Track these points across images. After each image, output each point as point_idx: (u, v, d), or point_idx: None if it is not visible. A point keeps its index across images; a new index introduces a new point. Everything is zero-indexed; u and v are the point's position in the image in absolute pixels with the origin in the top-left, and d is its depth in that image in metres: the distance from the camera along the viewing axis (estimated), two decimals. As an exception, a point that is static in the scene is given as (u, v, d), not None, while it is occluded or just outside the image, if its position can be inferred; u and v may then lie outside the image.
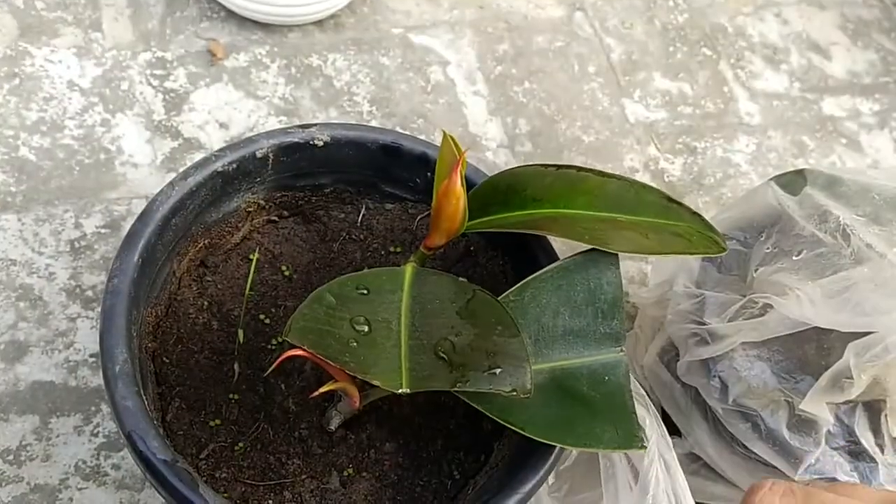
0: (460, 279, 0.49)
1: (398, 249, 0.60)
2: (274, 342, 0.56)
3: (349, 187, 0.60)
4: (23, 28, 0.79)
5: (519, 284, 0.50)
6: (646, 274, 0.77)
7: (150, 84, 0.78)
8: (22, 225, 0.69)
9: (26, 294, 0.66)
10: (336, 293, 0.46)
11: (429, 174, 0.58)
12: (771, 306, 0.52)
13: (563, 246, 0.69)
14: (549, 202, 0.52)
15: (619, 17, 0.94)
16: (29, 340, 0.64)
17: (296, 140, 0.56)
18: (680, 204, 0.52)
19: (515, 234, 0.56)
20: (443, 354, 0.44)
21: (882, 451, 0.52)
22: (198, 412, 0.52)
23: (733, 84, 0.91)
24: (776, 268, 0.53)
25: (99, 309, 0.65)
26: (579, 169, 0.53)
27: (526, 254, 0.56)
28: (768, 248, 0.55)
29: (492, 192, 0.53)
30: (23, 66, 0.77)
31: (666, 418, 0.63)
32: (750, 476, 0.56)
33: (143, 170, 0.74)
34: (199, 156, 0.75)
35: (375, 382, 0.42)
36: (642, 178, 0.83)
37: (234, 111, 0.78)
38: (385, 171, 0.59)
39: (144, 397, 0.46)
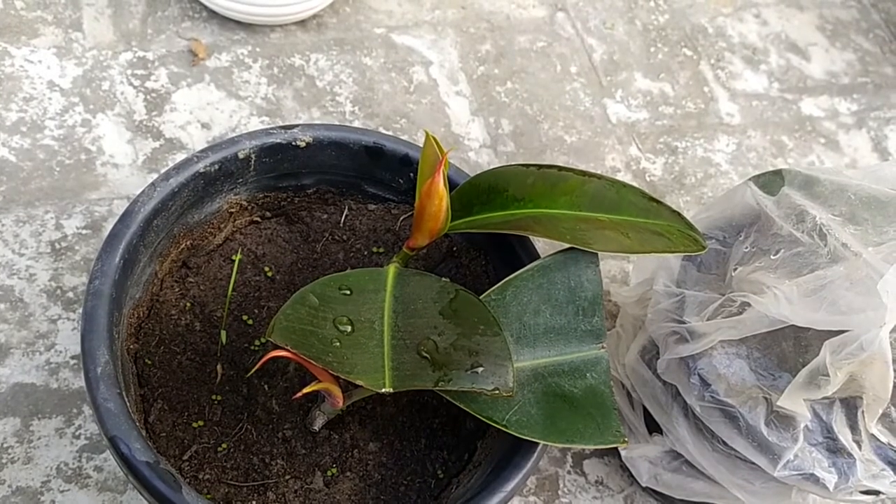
0: (443, 279, 0.49)
1: (381, 250, 0.60)
2: (257, 343, 0.56)
3: (332, 188, 0.60)
4: (2, 28, 0.79)
5: (500, 283, 0.50)
6: (627, 273, 0.78)
7: (131, 84, 0.78)
8: (2, 226, 0.69)
9: (7, 296, 0.66)
10: (319, 294, 0.46)
11: (411, 175, 0.58)
12: (749, 305, 0.52)
13: (545, 245, 0.69)
14: (531, 202, 0.52)
15: (600, 18, 0.94)
16: (10, 342, 0.64)
17: (278, 141, 0.56)
18: (660, 203, 0.53)
19: (498, 234, 0.56)
20: (426, 354, 0.44)
21: (860, 446, 0.52)
22: (181, 413, 0.52)
23: (713, 84, 0.92)
24: (754, 267, 0.54)
25: (80, 310, 0.65)
26: (560, 168, 0.53)
27: (508, 254, 0.56)
28: (747, 248, 0.56)
29: (474, 193, 0.53)
30: (2, 67, 0.76)
31: (647, 416, 0.63)
32: (730, 473, 0.57)
33: (125, 170, 0.73)
34: (180, 156, 0.75)
35: (359, 382, 0.42)
36: (624, 177, 0.83)
37: (215, 111, 0.78)
38: (368, 172, 0.59)
39: (126, 399, 0.46)
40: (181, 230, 0.56)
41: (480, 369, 0.44)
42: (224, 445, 0.52)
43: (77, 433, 0.61)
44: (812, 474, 0.52)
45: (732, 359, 0.54)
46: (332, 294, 0.47)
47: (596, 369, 0.49)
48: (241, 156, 0.55)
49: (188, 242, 0.57)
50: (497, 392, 0.43)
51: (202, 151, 0.55)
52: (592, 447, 0.68)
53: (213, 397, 0.53)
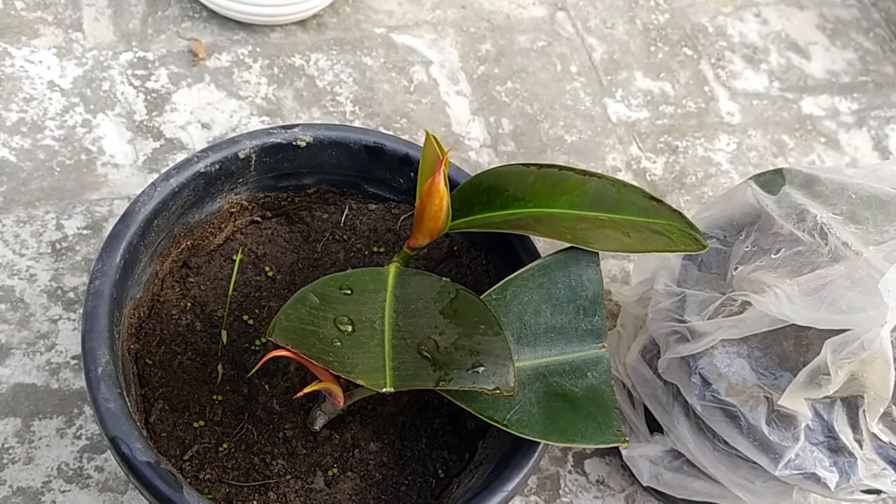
0: (443, 279, 0.49)
1: (381, 250, 0.60)
2: (258, 343, 0.56)
3: (332, 188, 0.60)
4: (2, 28, 0.79)
5: (501, 283, 0.50)
6: (628, 272, 0.78)
7: (131, 84, 0.78)
8: (2, 226, 0.69)
9: (7, 296, 0.66)
10: (320, 293, 0.46)
11: (412, 174, 0.58)
12: (750, 304, 0.52)
13: (546, 245, 0.69)
14: (532, 202, 0.52)
15: (600, 17, 0.94)
16: (10, 343, 0.64)
17: (278, 141, 0.56)
18: (661, 202, 0.53)
19: (498, 234, 0.56)
20: (426, 353, 0.44)
21: (861, 445, 0.52)
22: (181, 413, 0.52)
23: (714, 84, 0.92)
24: (755, 266, 0.54)
25: (81, 311, 0.65)
26: (561, 168, 0.53)
27: (509, 253, 0.56)
28: (747, 247, 0.56)
29: (474, 192, 0.53)
30: (2, 67, 0.76)
31: (648, 415, 0.63)
32: (731, 472, 0.56)
33: (125, 170, 0.73)
34: (181, 156, 0.75)
35: (360, 382, 0.42)
36: (625, 177, 0.83)
37: (216, 111, 0.78)
38: (368, 172, 0.59)
39: (127, 399, 0.46)
40: (182, 230, 0.56)
41: (481, 369, 0.44)
42: (225, 445, 0.52)
43: (78, 433, 0.61)
44: (813, 473, 0.52)
45: (733, 358, 0.54)
46: (332, 294, 0.47)
47: (597, 369, 0.49)
48: (241, 156, 0.55)
49: (189, 242, 0.57)
50: (498, 391, 0.43)
51: (202, 151, 0.55)
52: (593, 447, 0.68)
53: (214, 397, 0.53)
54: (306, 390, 0.46)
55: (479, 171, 0.55)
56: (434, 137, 0.51)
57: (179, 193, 0.53)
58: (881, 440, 0.53)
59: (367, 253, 0.60)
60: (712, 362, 0.54)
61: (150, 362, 0.53)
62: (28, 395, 0.62)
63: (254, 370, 0.53)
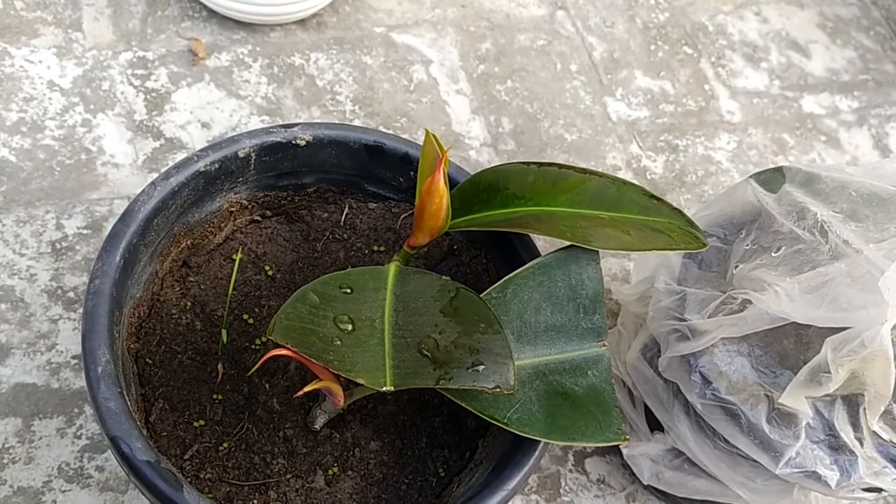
0: (443, 277, 0.49)
1: (381, 248, 0.60)
2: (258, 342, 0.56)
3: (332, 187, 0.60)
4: (2, 28, 0.79)
5: (501, 281, 0.50)
6: (628, 271, 0.78)
7: (131, 84, 0.78)
8: (2, 226, 0.69)
9: (7, 296, 0.66)
10: (320, 292, 0.46)
11: (412, 173, 0.58)
12: (750, 302, 0.52)
13: (546, 243, 0.69)
14: (532, 200, 0.52)
15: (600, 16, 0.94)
16: (10, 342, 0.64)
17: (278, 140, 0.56)
18: (661, 200, 0.53)
19: (498, 233, 0.56)
20: (426, 352, 0.44)
21: (861, 444, 0.52)
22: (182, 413, 0.52)
23: (714, 82, 0.92)
24: (755, 264, 0.54)
25: (81, 310, 0.65)
26: (561, 166, 0.53)
27: (509, 252, 0.56)
28: (748, 245, 0.56)
29: (474, 191, 0.53)
30: (2, 67, 0.76)
31: (649, 414, 0.63)
32: (731, 471, 0.56)
33: (125, 170, 0.73)
34: (180, 156, 0.75)
35: (360, 381, 0.42)
36: (625, 175, 0.83)
37: (216, 111, 0.78)
38: (368, 171, 0.59)
39: (128, 398, 0.46)
40: (181, 229, 0.56)
41: (481, 367, 0.44)
42: (225, 445, 0.52)
43: (78, 433, 0.61)
44: (814, 472, 0.52)
45: (734, 356, 0.54)
46: (332, 292, 0.47)
47: (597, 367, 0.49)
48: (241, 155, 0.55)
49: (188, 241, 0.57)
50: (498, 390, 0.43)
51: (202, 150, 0.55)
52: (594, 445, 0.68)
53: (214, 396, 0.53)
54: (306, 389, 0.46)
55: (478, 170, 0.55)
56: (434, 136, 0.51)
57: (179, 193, 0.53)
58: (882, 438, 0.53)
59: (367, 252, 0.60)
60: (713, 360, 0.54)
61: (150, 361, 0.53)
62: (28, 395, 0.62)
63: (254, 369, 0.53)
